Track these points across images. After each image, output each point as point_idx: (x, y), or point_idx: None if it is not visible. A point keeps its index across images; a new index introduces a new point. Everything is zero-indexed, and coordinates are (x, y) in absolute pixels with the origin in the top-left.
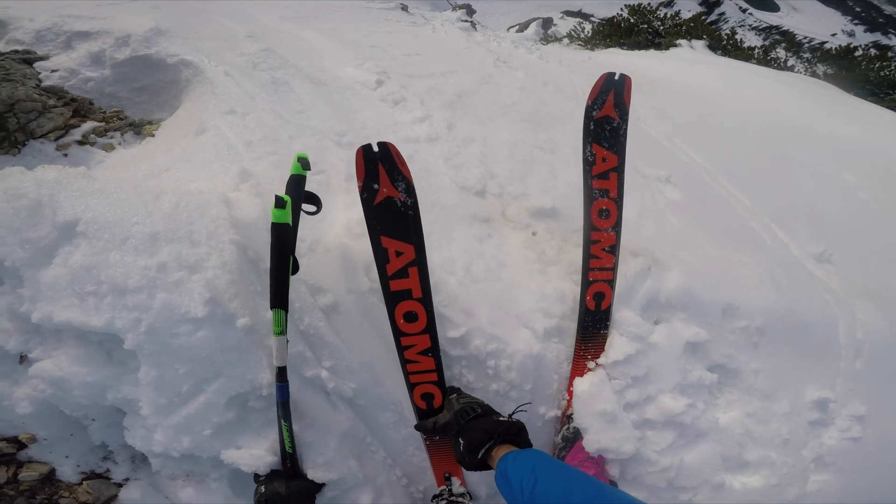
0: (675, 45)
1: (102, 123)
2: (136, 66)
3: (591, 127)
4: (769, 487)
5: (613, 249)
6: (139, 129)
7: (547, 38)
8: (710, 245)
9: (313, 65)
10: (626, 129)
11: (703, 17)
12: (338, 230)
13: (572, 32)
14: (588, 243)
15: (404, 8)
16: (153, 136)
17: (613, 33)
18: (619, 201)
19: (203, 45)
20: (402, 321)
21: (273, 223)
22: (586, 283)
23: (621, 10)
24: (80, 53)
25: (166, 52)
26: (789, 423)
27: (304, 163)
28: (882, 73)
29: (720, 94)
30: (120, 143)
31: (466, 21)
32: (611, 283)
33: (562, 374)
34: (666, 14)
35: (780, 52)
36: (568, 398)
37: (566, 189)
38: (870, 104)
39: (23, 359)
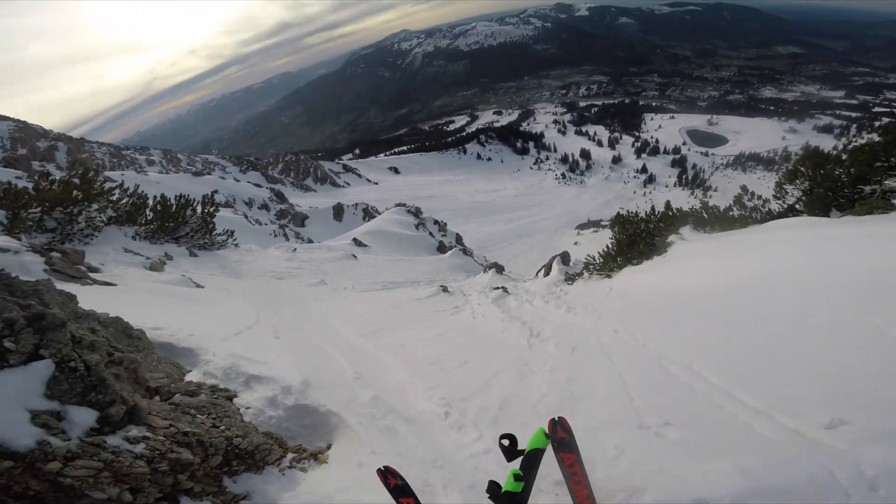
0: (669, 244)
1: (296, 454)
2: (299, 410)
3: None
4: None
5: None
6: (316, 457)
7: (569, 276)
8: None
9: (402, 402)
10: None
11: (682, 176)
12: None
13: (588, 265)
14: None
15: (445, 289)
16: (327, 462)
17: (620, 253)
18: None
19: (335, 396)
20: None
21: (508, 491)
22: None
23: (618, 214)
24: (259, 395)
25: (317, 402)
26: None
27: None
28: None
29: (720, 287)
30: (309, 467)
31: (499, 289)
32: None
33: None
34: (648, 212)
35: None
36: None
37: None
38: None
39: None
